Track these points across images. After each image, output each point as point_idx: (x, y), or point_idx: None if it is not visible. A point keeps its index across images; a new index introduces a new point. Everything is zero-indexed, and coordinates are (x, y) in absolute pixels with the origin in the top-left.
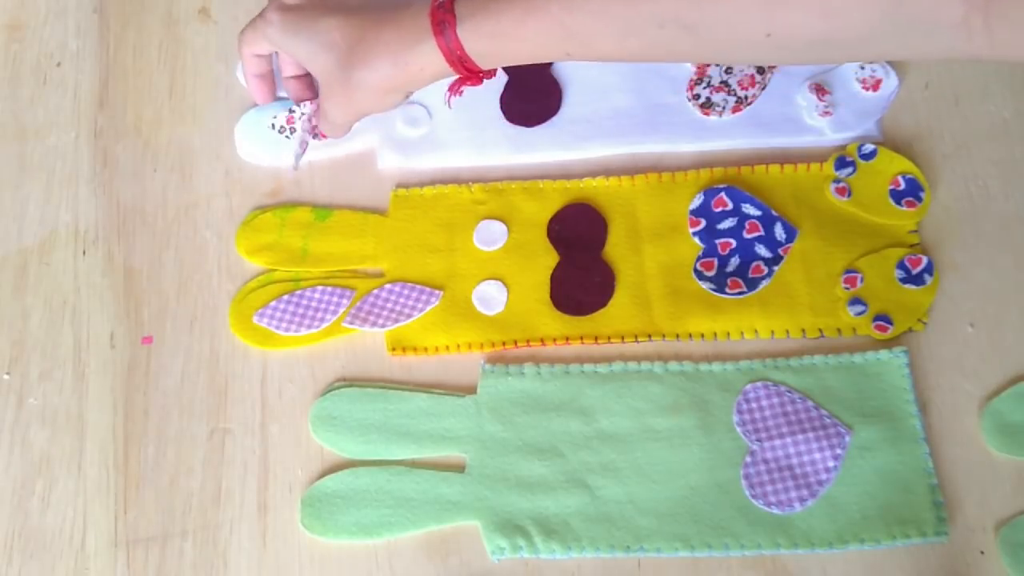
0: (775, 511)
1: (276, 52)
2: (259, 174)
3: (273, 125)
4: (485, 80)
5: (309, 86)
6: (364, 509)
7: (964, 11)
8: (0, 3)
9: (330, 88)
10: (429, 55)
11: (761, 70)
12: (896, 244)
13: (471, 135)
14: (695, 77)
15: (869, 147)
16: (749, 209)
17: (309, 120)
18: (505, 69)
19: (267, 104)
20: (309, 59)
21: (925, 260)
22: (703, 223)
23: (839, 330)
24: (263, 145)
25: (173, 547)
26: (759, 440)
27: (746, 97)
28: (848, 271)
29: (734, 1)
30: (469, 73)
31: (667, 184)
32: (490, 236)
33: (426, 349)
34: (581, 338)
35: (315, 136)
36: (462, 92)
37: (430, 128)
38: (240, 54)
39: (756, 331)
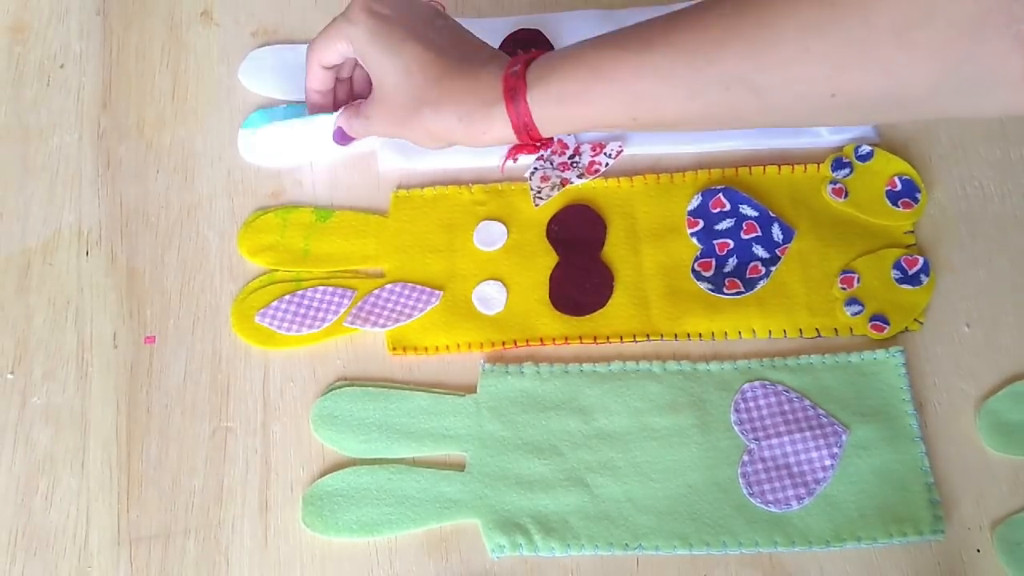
0: (773, 509)
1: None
2: (261, 175)
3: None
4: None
5: (331, 102)
6: (365, 507)
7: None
8: (3, 5)
9: (391, 105)
10: (496, 121)
11: None
12: (892, 245)
13: None
14: None
15: (866, 148)
16: (747, 210)
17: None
18: None
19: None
20: (382, 74)
21: (921, 260)
22: (701, 224)
23: (836, 330)
24: (265, 146)
25: (175, 545)
26: (757, 439)
27: None
28: (845, 271)
29: (799, 63)
30: (531, 140)
31: (665, 185)
32: (490, 237)
33: (426, 349)
34: (580, 338)
35: (341, 141)
36: (517, 159)
37: None
38: (308, 63)
39: (754, 331)
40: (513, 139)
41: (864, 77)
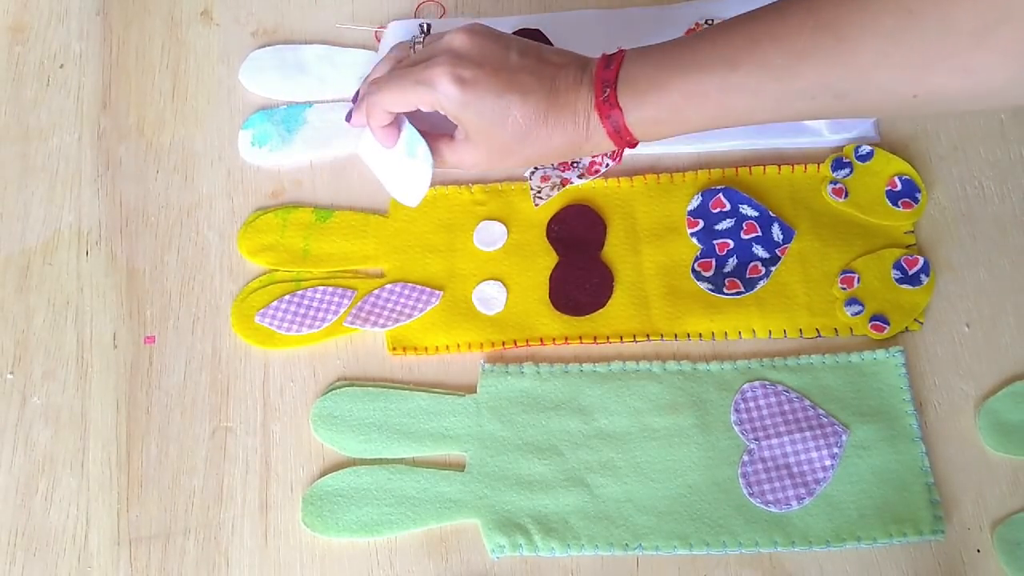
0: (772, 509)
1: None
2: (261, 175)
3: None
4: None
5: (394, 135)
6: (365, 507)
7: None
8: (3, 5)
9: (486, 149)
10: (601, 144)
11: None
12: (892, 245)
13: None
14: None
15: (866, 148)
16: (747, 210)
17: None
18: None
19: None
20: (480, 127)
21: (921, 260)
22: (701, 224)
23: (836, 330)
24: (266, 148)
25: (175, 545)
26: (757, 439)
27: None
28: (845, 271)
29: (883, 69)
30: (628, 146)
31: (665, 185)
32: (490, 237)
33: (426, 349)
34: (580, 338)
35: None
36: (620, 160)
37: None
38: (371, 106)
39: (754, 331)
40: (612, 147)
41: (944, 79)
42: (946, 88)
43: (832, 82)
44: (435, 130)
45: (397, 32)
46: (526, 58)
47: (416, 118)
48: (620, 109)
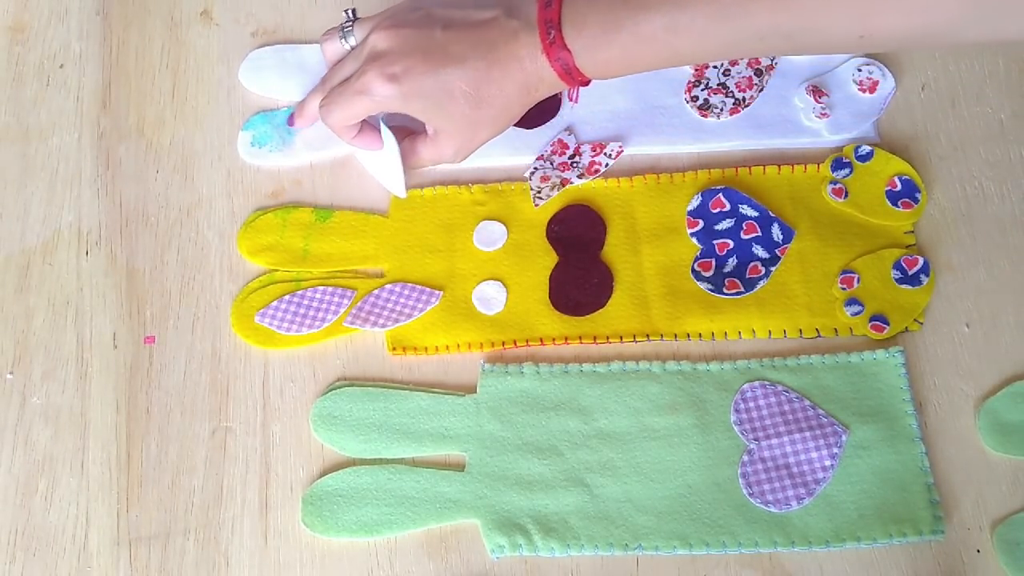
0: (772, 510)
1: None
2: (260, 175)
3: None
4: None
5: (376, 138)
6: (365, 507)
7: None
8: (3, 5)
9: (453, 130)
10: (553, 85)
11: (759, 72)
12: (892, 245)
13: None
14: (693, 79)
15: (866, 148)
16: (746, 210)
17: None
18: None
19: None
20: (434, 111)
21: (921, 261)
22: (701, 224)
23: (836, 330)
24: (265, 150)
25: (175, 545)
26: (756, 439)
27: (744, 99)
28: (845, 271)
29: (828, 10)
30: (582, 84)
31: (665, 185)
32: (490, 237)
33: (426, 349)
34: (580, 338)
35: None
36: (577, 99)
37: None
38: (330, 126)
39: (753, 331)
40: (564, 87)
41: (891, 19)
42: (892, 28)
43: (780, 23)
44: (415, 128)
45: None
46: (452, 28)
47: (394, 120)
48: (569, 51)
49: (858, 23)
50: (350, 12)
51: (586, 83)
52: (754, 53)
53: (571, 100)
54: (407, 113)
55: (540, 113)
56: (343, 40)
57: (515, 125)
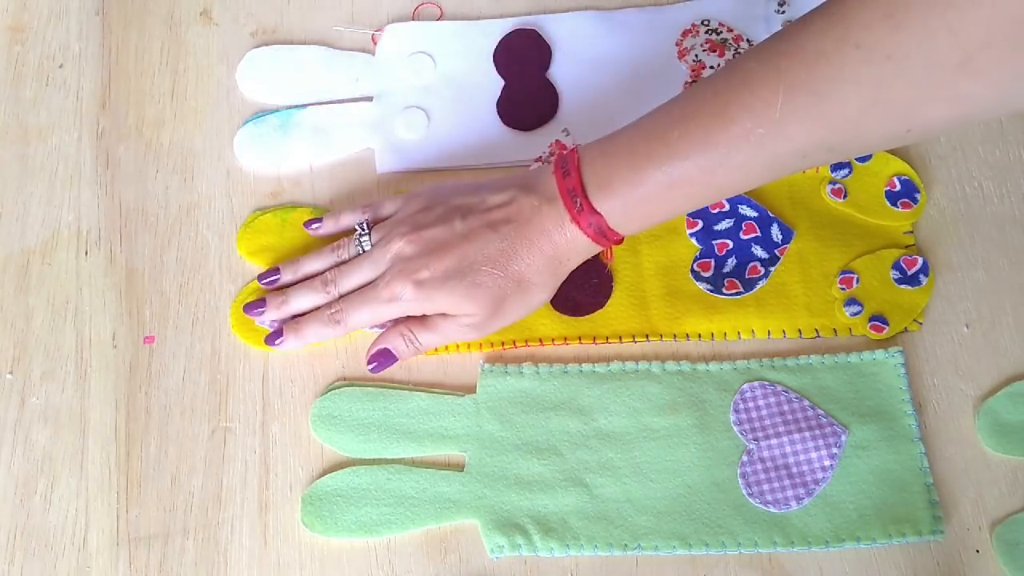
0: (772, 510)
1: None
2: (260, 175)
3: None
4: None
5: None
6: (364, 507)
7: None
8: (2, 4)
9: (481, 316)
10: (588, 250)
11: None
12: (892, 245)
13: (469, 139)
14: (691, 80)
15: None
16: (746, 210)
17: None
18: (501, 73)
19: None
20: (463, 303)
21: (920, 261)
22: (700, 224)
23: (835, 330)
24: (262, 152)
25: (174, 545)
26: (756, 439)
27: None
28: (844, 272)
29: (870, 116)
30: (617, 243)
31: None
32: None
33: None
34: (579, 338)
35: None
36: (611, 258)
37: (428, 132)
38: (352, 327)
39: (753, 331)
40: (598, 249)
41: (936, 110)
42: (940, 119)
43: (822, 139)
44: None
45: (394, 35)
46: (471, 215)
47: None
48: (599, 214)
49: (904, 121)
50: (365, 224)
51: (620, 241)
52: (799, 169)
53: (607, 260)
54: (437, 312)
55: (539, 115)
56: (359, 249)
57: (513, 127)
